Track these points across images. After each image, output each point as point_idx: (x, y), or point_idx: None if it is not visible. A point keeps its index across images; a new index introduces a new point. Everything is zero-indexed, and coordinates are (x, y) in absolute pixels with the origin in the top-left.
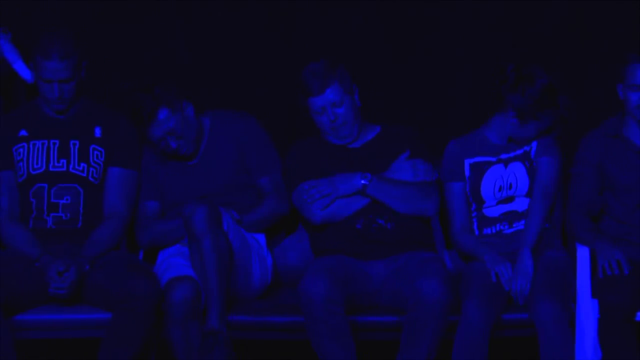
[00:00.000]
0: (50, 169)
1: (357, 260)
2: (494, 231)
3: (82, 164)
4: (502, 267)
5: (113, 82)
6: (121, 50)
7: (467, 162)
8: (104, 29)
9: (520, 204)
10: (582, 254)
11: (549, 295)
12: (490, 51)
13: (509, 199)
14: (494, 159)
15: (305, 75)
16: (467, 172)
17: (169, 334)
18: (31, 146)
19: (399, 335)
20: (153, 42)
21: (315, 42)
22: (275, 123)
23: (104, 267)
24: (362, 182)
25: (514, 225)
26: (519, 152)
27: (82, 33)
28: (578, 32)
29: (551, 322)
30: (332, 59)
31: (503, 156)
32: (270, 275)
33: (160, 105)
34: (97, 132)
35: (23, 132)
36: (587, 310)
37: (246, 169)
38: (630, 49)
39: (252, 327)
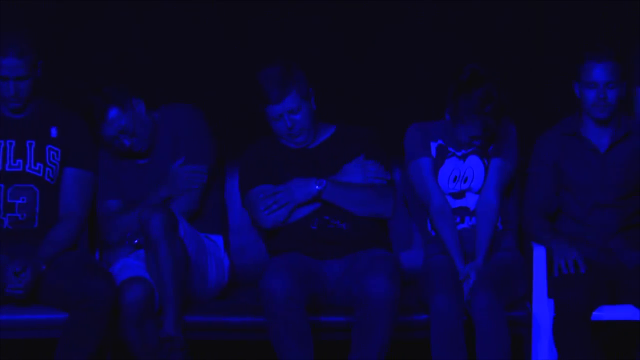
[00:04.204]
0: (7, 169)
1: (314, 260)
2: None
3: (38, 164)
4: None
5: (69, 82)
6: (77, 50)
7: (432, 145)
8: (60, 29)
9: (471, 201)
10: (538, 254)
11: (484, 287)
12: (447, 50)
13: (461, 194)
14: (453, 150)
15: (262, 81)
16: (433, 153)
17: (124, 334)
18: None
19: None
20: (109, 42)
21: (271, 41)
22: (232, 122)
23: (60, 268)
24: (317, 187)
25: (465, 220)
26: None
27: (38, 33)
28: (533, 30)
29: (484, 310)
30: (287, 62)
31: (462, 150)
32: (227, 277)
33: (110, 105)
34: (53, 132)
35: None
36: (543, 311)
37: None
38: (585, 47)
39: (209, 327)
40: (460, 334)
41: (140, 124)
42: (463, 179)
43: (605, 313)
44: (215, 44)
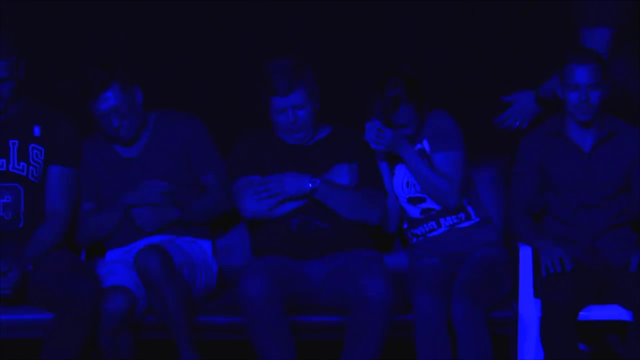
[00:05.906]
0: None
1: (295, 260)
2: (423, 232)
3: (21, 163)
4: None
5: (52, 81)
6: (61, 50)
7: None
8: (43, 28)
9: (434, 203)
10: (525, 254)
11: (462, 294)
12: (435, 52)
13: (421, 199)
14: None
15: (272, 72)
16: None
17: (98, 341)
18: None
19: (342, 335)
20: (93, 41)
21: (256, 41)
22: (215, 121)
23: (46, 267)
24: (310, 186)
25: (441, 224)
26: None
27: (23, 33)
28: (517, 32)
29: (462, 319)
30: (299, 58)
31: None
32: (215, 281)
33: (113, 81)
34: (36, 131)
35: None
36: (529, 311)
37: (188, 167)
38: (568, 49)
39: (196, 327)
40: (445, 333)
41: (133, 111)
42: (413, 183)
43: (592, 313)
44: (203, 44)
